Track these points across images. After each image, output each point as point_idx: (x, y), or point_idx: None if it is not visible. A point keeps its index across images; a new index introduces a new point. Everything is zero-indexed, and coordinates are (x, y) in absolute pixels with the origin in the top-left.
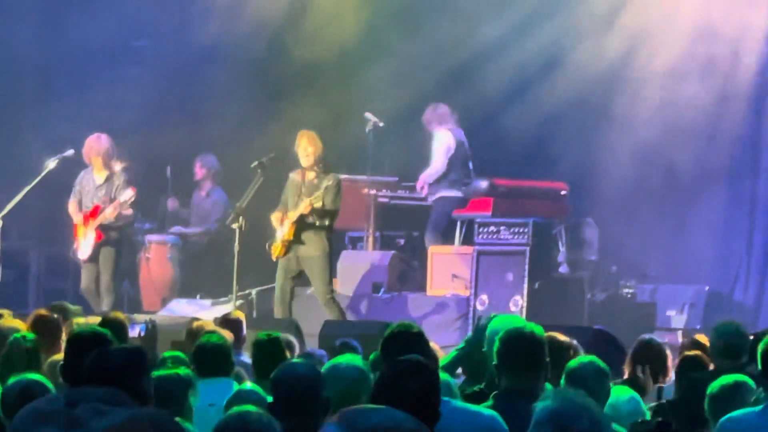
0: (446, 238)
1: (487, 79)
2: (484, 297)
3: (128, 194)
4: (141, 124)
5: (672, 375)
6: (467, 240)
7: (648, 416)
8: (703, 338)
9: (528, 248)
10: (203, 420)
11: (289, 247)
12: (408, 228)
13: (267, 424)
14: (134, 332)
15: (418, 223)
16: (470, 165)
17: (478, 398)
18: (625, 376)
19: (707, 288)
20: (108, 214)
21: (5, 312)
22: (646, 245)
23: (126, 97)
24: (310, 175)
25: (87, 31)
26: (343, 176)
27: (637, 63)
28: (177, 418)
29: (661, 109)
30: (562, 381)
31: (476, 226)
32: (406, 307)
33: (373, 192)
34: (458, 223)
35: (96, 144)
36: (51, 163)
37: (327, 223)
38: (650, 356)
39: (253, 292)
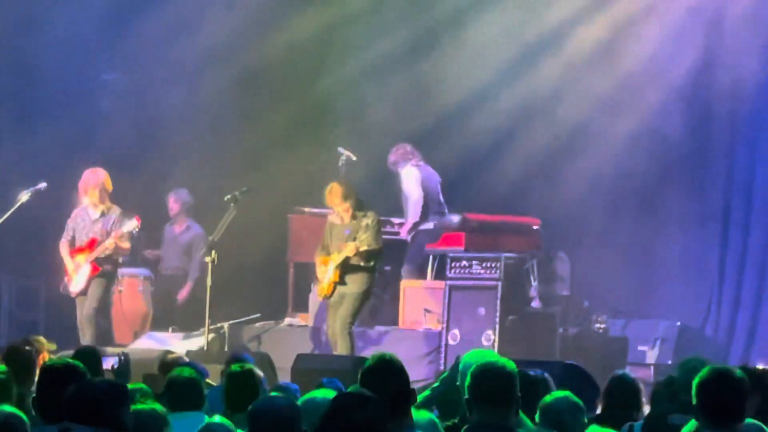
0: (423, 271)
1: (461, 115)
2: (456, 331)
3: (132, 224)
4: (113, 159)
5: (645, 410)
6: (439, 274)
7: None
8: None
9: (500, 283)
10: None
11: (335, 287)
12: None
13: None
14: (107, 365)
15: (390, 257)
16: (441, 198)
17: None
18: (598, 412)
19: (679, 323)
20: (108, 245)
21: None
22: (617, 280)
23: (99, 130)
24: (346, 219)
25: (61, 63)
26: (315, 210)
27: (612, 102)
28: None
29: (635, 146)
30: (537, 416)
31: (448, 260)
32: (378, 341)
33: None
34: (431, 258)
35: (93, 177)
36: (24, 196)
37: (372, 263)
38: (624, 391)
39: (225, 325)
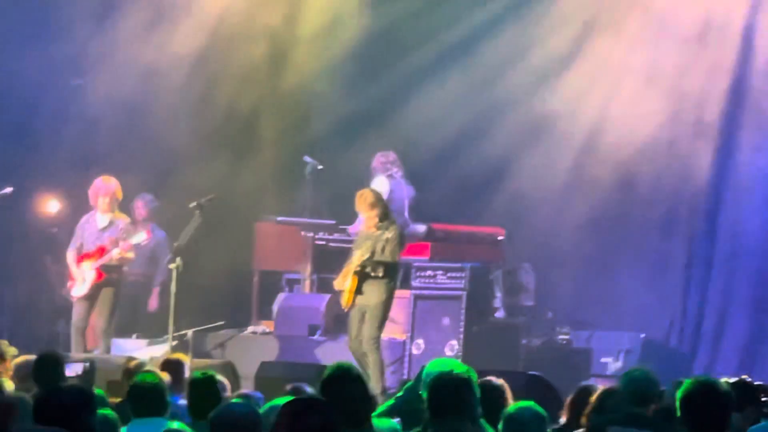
0: None
1: (427, 125)
2: (420, 341)
3: (141, 237)
4: (78, 164)
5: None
6: (404, 284)
7: None
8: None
9: (465, 293)
10: None
11: (355, 297)
12: (341, 271)
13: None
14: (71, 371)
15: None
16: (406, 213)
17: None
18: (562, 421)
19: (643, 335)
20: (114, 256)
21: None
22: (582, 292)
23: (65, 136)
24: (371, 228)
25: (27, 67)
26: (281, 218)
27: (580, 113)
28: None
29: (601, 157)
30: (501, 426)
31: (413, 270)
32: (342, 350)
33: (310, 235)
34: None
35: (104, 186)
36: None
37: (381, 273)
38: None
39: (189, 332)
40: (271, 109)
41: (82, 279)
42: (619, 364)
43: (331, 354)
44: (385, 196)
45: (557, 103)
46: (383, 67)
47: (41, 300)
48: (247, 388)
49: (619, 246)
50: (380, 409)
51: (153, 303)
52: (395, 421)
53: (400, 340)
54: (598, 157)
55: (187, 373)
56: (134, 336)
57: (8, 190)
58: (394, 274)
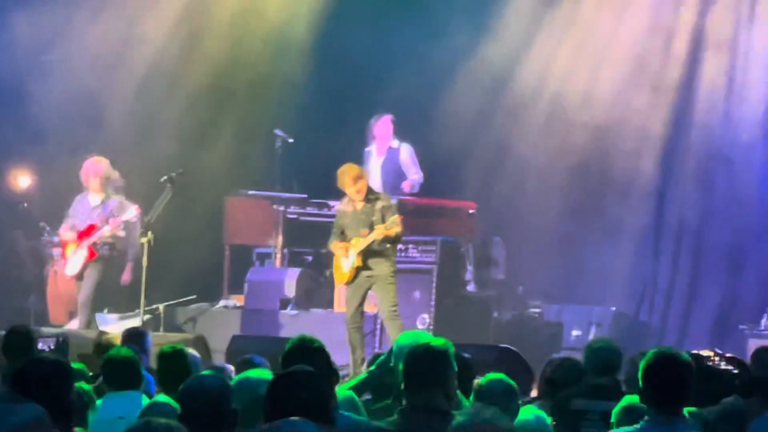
0: None
1: (397, 98)
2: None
3: (132, 213)
4: (50, 140)
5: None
6: None
7: None
8: None
9: (436, 266)
10: None
11: (357, 273)
12: (316, 245)
13: None
14: (43, 345)
15: (325, 239)
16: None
17: (384, 414)
18: (533, 394)
19: (613, 308)
20: (106, 233)
21: None
22: (552, 265)
23: (36, 113)
24: (359, 203)
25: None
26: (251, 192)
27: (552, 87)
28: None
29: (571, 130)
30: (471, 397)
31: None
32: (314, 324)
33: (281, 208)
34: None
35: (94, 167)
36: None
37: (389, 245)
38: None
39: (161, 306)
40: (242, 82)
41: (73, 257)
42: (590, 338)
43: (303, 328)
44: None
45: (525, 74)
46: (354, 39)
47: (11, 275)
48: (219, 361)
49: (589, 219)
50: (352, 382)
51: (126, 277)
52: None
53: (372, 313)
54: (566, 129)
55: (150, 345)
56: (106, 310)
57: None
58: (398, 242)
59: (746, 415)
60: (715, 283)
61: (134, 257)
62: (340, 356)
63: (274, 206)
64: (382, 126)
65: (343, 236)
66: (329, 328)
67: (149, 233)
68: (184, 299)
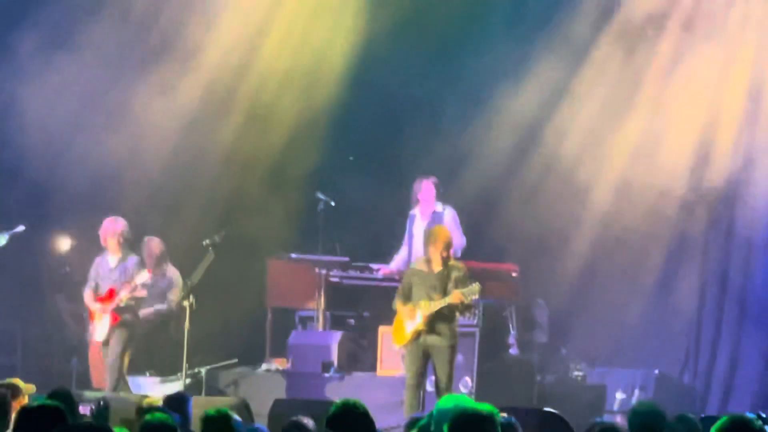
0: None
1: (441, 156)
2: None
3: (144, 276)
4: (89, 203)
5: None
6: None
7: None
8: None
9: (478, 330)
10: None
11: (418, 336)
12: (358, 308)
13: None
14: (85, 410)
15: (368, 303)
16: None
17: None
18: None
19: (657, 371)
20: (123, 297)
21: None
22: (596, 328)
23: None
24: (436, 267)
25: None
26: (294, 255)
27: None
28: None
29: (613, 191)
30: None
31: None
32: (356, 387)
33: (323, 272)
34: None
35: (112, 226)
36: (2, 239)
37: (458, 315)
38: None
39: (203, 370)
40: (283, 146)
41: (99, 323)
42: (633, 401)
43: (345, 391)
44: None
45: (562, 137)
46: (395, 97)
47: (54, 338)
48: (261, 426)
49: (632, 280)
50: None
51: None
52: None
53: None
54: (609, 191)
55: (191, 409)
56: (147, 374)
57: (20, 228)
58: (467, 311)
59: None
60: (758, 346)
61: (160, 312)
62: (383, 419)
63: (317, 269)
64: (426, 190)
65: (409, 294)
66: (372, 391)
67: (191, 296)
68: (226, 362)
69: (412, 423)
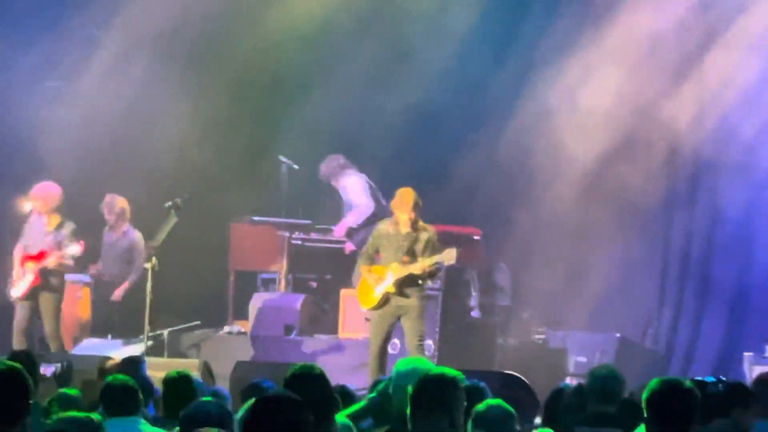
0: None
1: (401, 124)
2: (396, 341)
3: (75, 249)
4: (54, 166)
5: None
6: None
7: None
8: None
9: (441, 293)
10: None
11: (387, 300)
12: (320, 271)
13: None
14: (48, 371)
15: (330, 266)
16: (383, 201)
17: None
18: (538, 422)
19: (618, 335)
20: (50, 264)
21: None
22: (558, 292)
23: (40, 138)
24: (404, 228)
25: (4, 69)
26: (256, 218)
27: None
28: None
29: (576, 158)
30: (470, 424)
31: None
32: (318, 350)
33: (286, 234)
34: None
35: (44, 191)
36: None
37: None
38: (565, 402)
39: (165, 332)
40: (246, 108)
41: (21, 280)
42: (594, 364)
43: (307, 354)
44: (366, 193)
45: (540, 101)
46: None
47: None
48: (222, 387)
49: (595, 246)
50: (351, 409)
51: (117, 294)
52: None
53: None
54: (574, 158)
55: (146, 372)
56: (109, 336)
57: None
58: (434, 276)
59: None
60: (720, 312)
61: (134, 282)
62: (345, 382)
63: (279, 232)
64: (325, 165)
65: (375, 256)
66: (333, 355)
67: (153, 259)
68: (188, 325)
69: (374, 385)
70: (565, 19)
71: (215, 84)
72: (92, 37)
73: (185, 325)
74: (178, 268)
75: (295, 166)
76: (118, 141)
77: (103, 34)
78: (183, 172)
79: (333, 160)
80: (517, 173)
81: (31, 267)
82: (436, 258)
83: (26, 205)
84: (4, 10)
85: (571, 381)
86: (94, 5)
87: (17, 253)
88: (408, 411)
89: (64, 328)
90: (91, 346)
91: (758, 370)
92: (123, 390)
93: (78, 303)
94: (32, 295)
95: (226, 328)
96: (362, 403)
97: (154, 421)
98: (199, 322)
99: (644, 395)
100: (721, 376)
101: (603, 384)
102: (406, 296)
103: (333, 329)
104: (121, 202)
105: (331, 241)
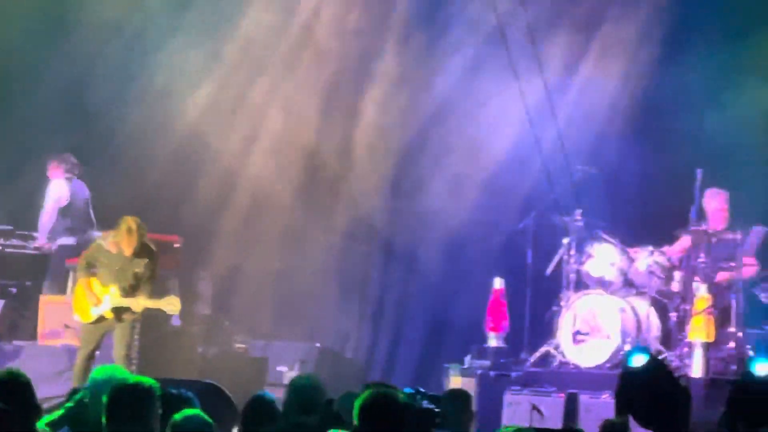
0: (64, 286)
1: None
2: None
3: None
4: None
5: None
6: None
7: None
8: None
9: None
10: None
11: (102, 318)
12: (21, 277)
13: None
14: None
15: (31, 272)
16: (91, 215)
17: None
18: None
19: (318, 345)
20: None
21: None
22: (260, 302)
23: None
24: (127, 249)
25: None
26: None
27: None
28: None
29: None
30: None
31: None
32: (18, 357)
33: None
34: (71, 273)
35: None
36: None
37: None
38: (261, 411)
39: None
40: None
41: None
42: (294, 373)
43: (5, 360)
44: (66, 200)
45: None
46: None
47: None
48: None
49: (299, 257)
50: (49, 417)
51: None
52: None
53: (76, 347)
54: (276, 168)
55: None
56: None
57: None
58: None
59: None
60: (420, 323)
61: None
62: (44, 389)
63: None
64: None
65: (92, 270)
66: (33, 362)
67: None
68: None
69: (71, 393)
70: None
71: None
72: None
73: None
74: None
75: None
76: None
77: None
78: None
79: (60, 160)
80: (222, 176)
81: None
82: (159, 305)
83: None
84: None
85: (270, 390)
86: None
87: None
88: (104, 420)
89: None
90: None
91: (458, 381)
92: None
93: None
94: None
95: None
96: (60, 412)
97: None
98: None
99: (357, 403)
100: (419, 388)
101: (303, 394)
102: (122, 321)
103: (32, 336)
104: None
105: (31, 248)
